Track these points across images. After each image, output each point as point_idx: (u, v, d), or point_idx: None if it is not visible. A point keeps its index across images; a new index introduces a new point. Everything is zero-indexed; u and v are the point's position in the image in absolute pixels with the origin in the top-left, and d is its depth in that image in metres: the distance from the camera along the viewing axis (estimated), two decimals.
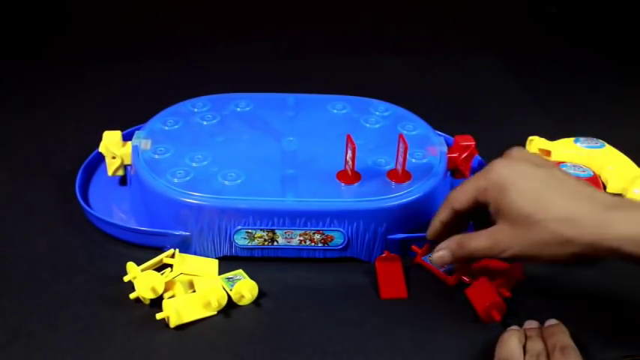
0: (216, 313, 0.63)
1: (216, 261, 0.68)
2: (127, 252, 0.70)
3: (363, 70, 1.10)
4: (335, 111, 0.82)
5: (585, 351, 0.58)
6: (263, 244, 0.68)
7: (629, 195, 0.76)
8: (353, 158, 0.68)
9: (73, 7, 1.21)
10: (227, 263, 0.68)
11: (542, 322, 0.60)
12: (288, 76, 1.07)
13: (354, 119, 0.81)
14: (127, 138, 0.77)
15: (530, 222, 0.54)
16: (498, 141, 0.87)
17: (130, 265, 0.64)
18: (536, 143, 0.86)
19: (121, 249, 0.71)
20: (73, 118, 0.94)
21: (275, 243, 0.68)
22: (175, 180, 0.69)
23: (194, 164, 0.71)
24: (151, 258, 0.67)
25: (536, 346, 0.57)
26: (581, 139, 0.85)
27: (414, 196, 0.68)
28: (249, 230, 0.67)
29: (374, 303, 0.66)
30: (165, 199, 0.68)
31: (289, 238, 0.68)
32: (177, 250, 0.68)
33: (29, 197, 0.78)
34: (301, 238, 0.68)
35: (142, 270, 0.65)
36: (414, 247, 0.68)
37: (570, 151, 0.84)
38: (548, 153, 0.84)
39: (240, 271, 0.67)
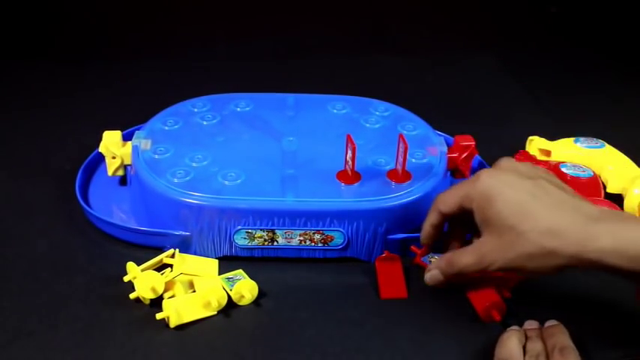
0: (216, 313, 0.63)
1: (216, 261, 0.68)
2: (127, 252, 0.70)
3: (363, 70, 1.10)
4: (335, 111, 0.82)
5: (585, 351, 0.58)
6: (263, 244, 0.68)
7: (629, 195, 0.76)
8: (353, 158, 0.68)
9: (73, 7, 1.21)
10: (227, 263, 0.68)
11: (542, 323, 0.60)
12: (288, 76, 1.07)
13: (354, 119, 0.81)
14: (127, 138, 0.77)
15: (514, 233, 0.55)
16: (498, 141, 0.88)
17: (130, 265, 0.64)
18: (536, 143, 0.86)
19: (121, 249, 0.71)
20: (73, 118, 0.94)
21: (275, 243, 0.68)
22: (175, 180, 0.69)
23: (194, 164, 0.71)
24: (151, 258, 0.67)
25: (535, 346, 0.57)
26: (581, 139, 0.85)
27: (414, 196, 0.68)
28: (249, 230, 0.67)
29: (374, 303, 0.66)
30: (165, 199, 0.68)
31: (289, 238, 0.68)
32: (177, 250, 0.68)
33: (29, 197, 0.78)
34: (301, 238, 0.68)
35: (142, 270, 0.65)
36: (413, 247, 0.68)
37: (570, 151, 0.84)
38: (548, 153, 0.84)
39: (240, 271, 0.67)
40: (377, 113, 0.82)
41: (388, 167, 0.72)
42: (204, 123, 0.79)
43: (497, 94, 1.06)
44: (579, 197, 0.56)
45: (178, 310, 0.62)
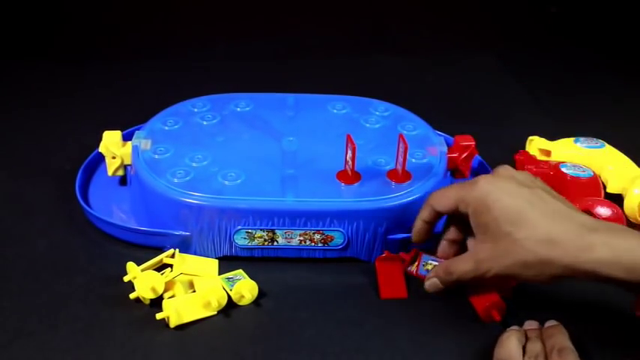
0: (216, 313, 0.63)
1: (216, 261, 0.68)
2: (127, 252, 0.70)
3: (363, 70, 1.10)
4: (335, 111, 0.82)
5: (585, 352, 0.58)
6: (263, 244, 0.68)
7: (629, 195, 0.76)
8: (353, 158, 0.68)
9: (73, 7, 1.21)
10: (227, 263, 0.68)
11: (542, 323, 0.60)
12: (288, 76, 1.07)
13: (354, 119, 0.81)
14: (127, 138, 0.77)
15: (510, 240, 0.55)
16: (498, 141, 0.88)
17: (130, 265, 0.64)
18: (536, 143, 0.86)
19: (121, 249, 0.71)
20: (73, 118, 0.94)
21: (275, 243, 0.68)
22: (175, 180, 0.69)
23: (194, 164, 0.71)
24: (151, 258, 0.67)
25: (534, 347, 0.57)
26: (581, 139, 0.85)
27: (414, 196, 0.68)
28: (249, 230, 0.67)
29: (374, 303, 0.66)
30: (165, 199, 0.68)
31: (289, 238, 0.68)
32: (177, 250, 0.68)
33: (29, 197, 0.78)
34: (301, 238, 0.68)
35: (142, 270, 0.65)
36: (402, 254, 0.67)
37: (570, 151, 0.84)
38: (548, 153, 0.84)
39: (240, 271, 0.67)
40: (377, 113, 0.82)
41: (388, 167, 0.72)
42: (204, 123, 0.79)
43: (497, 94, 1.06)
44: (575, 208, 0.57)
45: (178, 310, 0.62)
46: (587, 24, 1.28)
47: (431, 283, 0.63)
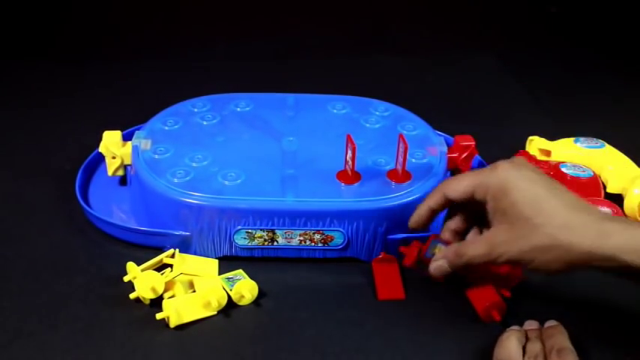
0: (216, 313, 0.63)
1: (216, 261, 0.68)
2: (127, 252, 0.70)
3: (363, 70, 1.10)
4: (335, 111, 0.82)
5: (585, 352, 0.58)
6: (263, 244, 0.68)
7: (629, 195, 0.76)
8: (353, 158, 0.68)
9: (73, 7, 1.21)
10: (227, 263, 0.68)
11: (542, 323, 0.60)
12: (288, 76, 1.07)
13: (354, 119, 0.81)
14: (127, 138, 0.77)
15: (529, 225, 0.55)
16: (498, 141, 0.88)
17: (130, 265, 0.64)
18: (536, 143, 0.86)
19: (121, 249, 0.71)
20: (73, 117, 0.94)
21: (275, 243, 0.68)
22: (175, 180, 0.69)
23: (194, 164, 0.71)
24: (151, 258, 0.67)
25: (534, 347, 0.57)
26: (581, 139, 0.85)
27: (414, 196, 0.68)
28: (249, 230, 0.67)
29: (374, 303, 0.66)
30: (165, 199, 0.68)
31: (289, 238, 0.68)
32: (177, 250, 0.68)
33: (29, 197, 0.78)
34: (301, 238, 0.68)
35: (142, 270, 0.65)
36: (401, 248, 0.67)
37: (570, 151, 0.84)
38: (548, 153, 0.84)
39: (240, 271, 0.67)
40: (377, 113, 0.82)
41: (388, 167, 0.72)
42: (204, 123, 0.79)
43: (497, 94, 1.06)
44: (588, 202, 0.57)
45: (178, 310, 0.62)
46: (587, 24, 1.28)
47: (437, 265, 0.61)
